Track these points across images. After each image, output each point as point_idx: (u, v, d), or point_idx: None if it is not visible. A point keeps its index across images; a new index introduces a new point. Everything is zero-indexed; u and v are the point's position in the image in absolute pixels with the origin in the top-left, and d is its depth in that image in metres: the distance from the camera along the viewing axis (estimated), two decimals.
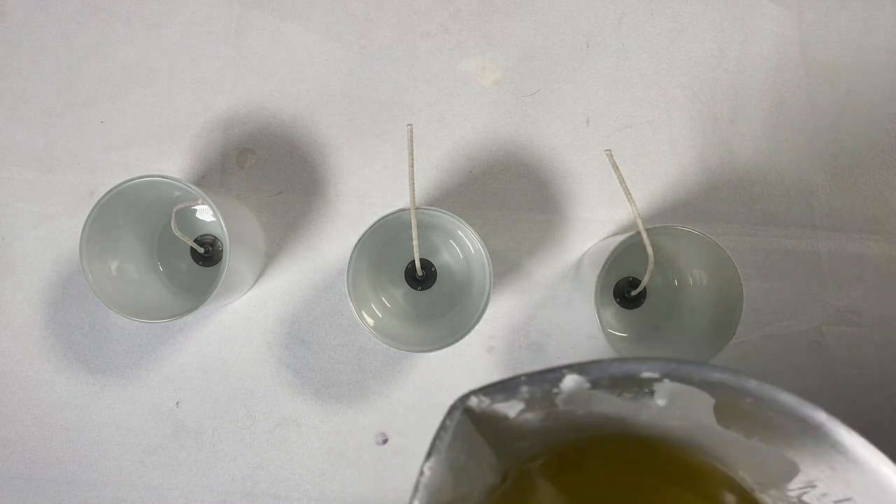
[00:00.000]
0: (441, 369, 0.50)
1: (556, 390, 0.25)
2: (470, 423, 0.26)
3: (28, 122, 0.50)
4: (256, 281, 0.50)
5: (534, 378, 0.25)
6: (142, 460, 0.48)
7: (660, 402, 0.27)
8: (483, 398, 0.25)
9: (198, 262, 0.48)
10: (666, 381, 0.25)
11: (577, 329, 0.51)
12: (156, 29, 0.51)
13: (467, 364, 0.50)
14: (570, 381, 0.25)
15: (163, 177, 0.41)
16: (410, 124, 0.39)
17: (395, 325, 0.47)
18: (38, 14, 0.51)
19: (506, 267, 0.50)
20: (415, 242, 0.42)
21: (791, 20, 0.52)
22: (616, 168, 0.40)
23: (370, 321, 0.45)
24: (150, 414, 0.48)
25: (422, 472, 0.24)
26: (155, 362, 0.49)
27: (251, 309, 0.49)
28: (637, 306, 0.50)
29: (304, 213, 0.50)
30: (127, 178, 0.41)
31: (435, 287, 0.49)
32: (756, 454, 0.27)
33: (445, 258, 0.49)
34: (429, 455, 0.25)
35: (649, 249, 0.42)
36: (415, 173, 0.39)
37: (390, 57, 0.51)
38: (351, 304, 0.43)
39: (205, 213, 0.48)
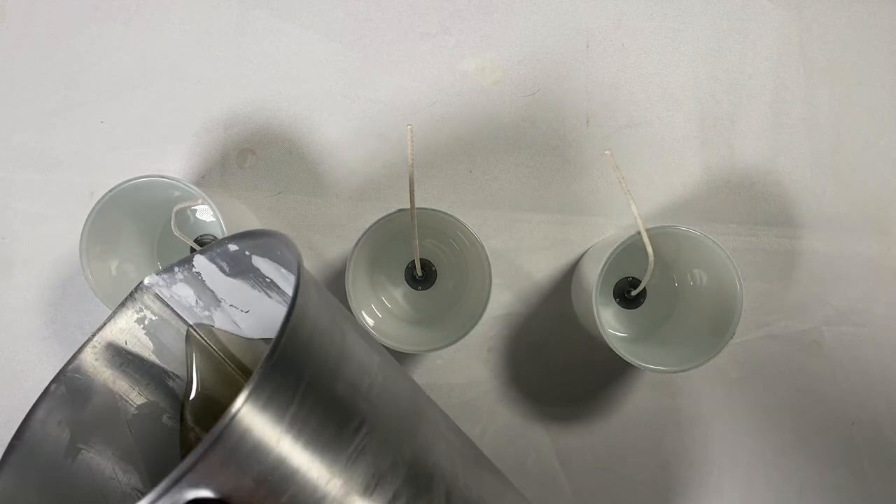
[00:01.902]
0: (441, 369, 0.50)
1: (195, 269, 0.35)
2: (163, 306, 0.36)
3: (28, 122, 0.50)
4: None
5: (182, 261, 0.35)
6: None
7: (283, 286, 0.34)
8: (155, 276, 0.35)
9: None
10: (255, 257, 0.33)
11: (577, 329, 0.51)
12: (156, 29, 0.51)
13: (467, 364, 0.50)
14: (200, 260, 0.34)
15: (163, 177, 0.41)
16: (410, 124, 0.39)
17: (395, 325, 0.47)
18: (38, 14, 0.51)
19: (506, 267, 0.50)
20: (415, 242, 0.42)
21: (791, 20, 0.52)
22: (616, 168, 0.40)
23: (370, 321, 0.45)
24: None
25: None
26: None
27: None
28: (637, 306, 0.50)
29: (304, 213, 0.50)
30: (127, 178, 0.41)
31: (435, 287, 0.49)
32: None
33: (445, 258, 0.49)
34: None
35: (649, 249, 0.42)
36: (415, 173, 0.39)
37: (390, 57, 0.51)
38: (351, 304, 0.43)
39: (205, 213, 0.48)
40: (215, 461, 0.21)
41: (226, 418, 0.21)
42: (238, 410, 0.21)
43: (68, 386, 0.33)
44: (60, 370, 0.33)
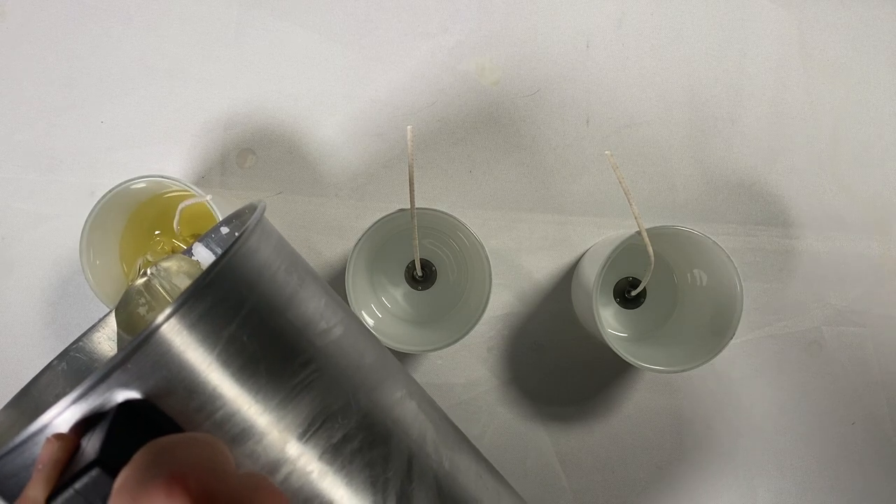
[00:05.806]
0: (441, 369, 0.50)
1: (194, 258, 0.36)
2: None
3: (28, 122, 0.50)
4: None
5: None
6: None
7: None
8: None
9: None
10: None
11: (577, 329, 0.51)
12: (156, 29, 0.51)
13: (467, 364, 0.50)
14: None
15: (163, 177, 0.41)
16: (410, 125, 0.39)
17: (395, 325, 0.47)
18: (38, 14, 0.51)
19: (506, 267, 0.50)
20: (415, 242, 0.42)
21: (791, 20, 0.52)
22: (616, 168, 0.40)
23: (370, 321, 0.45)
24: None
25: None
26: None
27: None
28: (637, 306, 0.50)
29: (304, 213, 0.50)
30: (127, 178, 0.41)
31: (435, 287, 0.49)
32: None
33: (445, 258, 0.49)
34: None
35: (649, 249, 0.42)
36: (415, 173, 0.39)
37: (390, 57, 0.51)
38: (351, 304, 0.43)
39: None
40: (145, 363, 0.22)
41: (154, 322, 0.22)
42: (169, 316, 0.22)
43: (69, 364, 0.35)
44: (65, 349, 0.35)
